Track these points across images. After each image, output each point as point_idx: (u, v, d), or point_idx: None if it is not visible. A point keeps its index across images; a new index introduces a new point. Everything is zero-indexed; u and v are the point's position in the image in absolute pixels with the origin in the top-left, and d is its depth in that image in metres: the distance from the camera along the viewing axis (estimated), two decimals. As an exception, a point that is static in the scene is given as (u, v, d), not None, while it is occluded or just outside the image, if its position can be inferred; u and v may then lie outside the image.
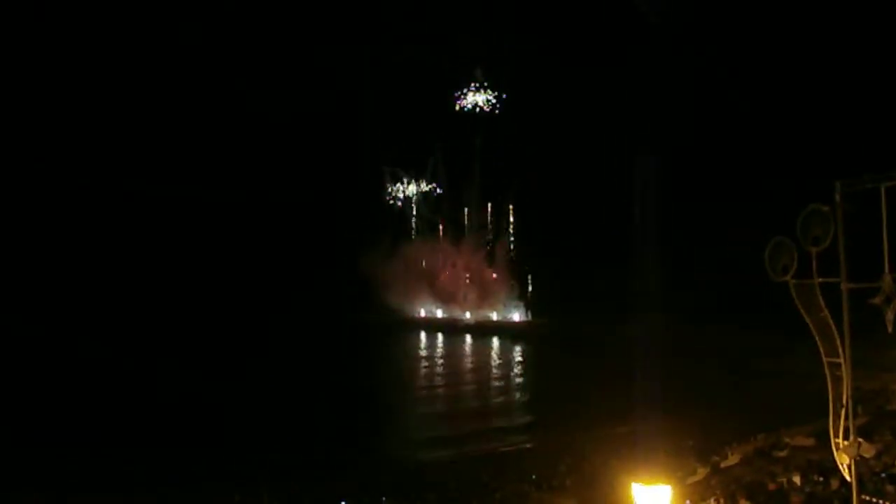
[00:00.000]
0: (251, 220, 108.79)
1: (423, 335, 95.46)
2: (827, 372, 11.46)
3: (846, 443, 11.20)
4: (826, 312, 11.28)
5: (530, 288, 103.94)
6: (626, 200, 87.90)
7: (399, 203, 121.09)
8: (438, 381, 63.46)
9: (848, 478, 11.42)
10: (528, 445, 37.04)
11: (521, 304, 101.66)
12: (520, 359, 75.91)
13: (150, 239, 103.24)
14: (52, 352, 59.82)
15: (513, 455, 34.37)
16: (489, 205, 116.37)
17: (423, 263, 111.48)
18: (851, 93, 76.44)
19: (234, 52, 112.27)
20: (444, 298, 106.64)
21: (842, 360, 11.23)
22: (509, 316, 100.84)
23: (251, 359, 60.42)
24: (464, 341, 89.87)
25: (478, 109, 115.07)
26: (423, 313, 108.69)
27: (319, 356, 63.02)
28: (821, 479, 18.79)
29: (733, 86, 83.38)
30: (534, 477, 26.61)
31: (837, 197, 11.25)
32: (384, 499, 24.53)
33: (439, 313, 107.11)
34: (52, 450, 32.45)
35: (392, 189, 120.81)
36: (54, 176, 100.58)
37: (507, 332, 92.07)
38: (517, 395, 55.55)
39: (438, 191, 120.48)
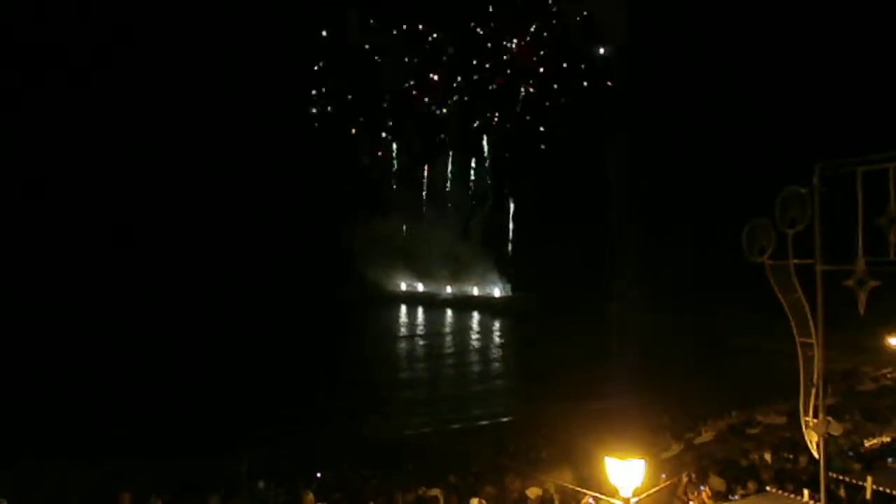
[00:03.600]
0: (221, 190, 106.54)
1: (403, 309, 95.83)
2: (799, 352, 11.64)
3: (815, 421, 11.43)
4: (800, 293, 11.43)
5: (511, 263, 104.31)
6: (607, 177, 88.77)
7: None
8: (419, 356, 64.00)
9: (816, 455, 11.67)
10: (505, 419, 37.51)
11: (502, 279, 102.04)
12: (499, 333, 76.62)
13: (118, 211, 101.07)
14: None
15: (490, 428, 34.79)
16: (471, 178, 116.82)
17: (404, 236, 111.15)
18: (832, 78, 76.87)
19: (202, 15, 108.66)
20: (425, 272, 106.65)
21: (814, 341, 11.40)
22: (490, 291, 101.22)
23: (228, 334, 59.48)
24: (444, 315, 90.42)
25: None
26: (403, 287, 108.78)
27: (298, 331, 62.54)
28: (791, 456, 19.20)
29: (715, 66, 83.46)
30: (511, 450, 26.99)
31: (816, 179, 11.34)
32: (362, 468, 24.76)
33: (420, 287, 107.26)
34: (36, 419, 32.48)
35: None
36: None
37: (488, 306, 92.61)
38: (496, 368, 56.21)
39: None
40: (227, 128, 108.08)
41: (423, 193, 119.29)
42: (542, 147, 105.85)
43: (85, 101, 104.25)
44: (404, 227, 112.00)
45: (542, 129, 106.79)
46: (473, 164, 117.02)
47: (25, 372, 43.12)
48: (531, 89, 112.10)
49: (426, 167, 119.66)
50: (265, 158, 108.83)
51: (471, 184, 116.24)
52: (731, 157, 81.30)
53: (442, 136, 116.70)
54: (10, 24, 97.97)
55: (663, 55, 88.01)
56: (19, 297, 66.34)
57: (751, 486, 15.59)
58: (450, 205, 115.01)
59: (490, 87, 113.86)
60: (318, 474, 23.43)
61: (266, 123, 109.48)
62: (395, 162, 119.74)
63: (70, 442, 28.58)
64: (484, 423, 36.87)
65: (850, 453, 18.59)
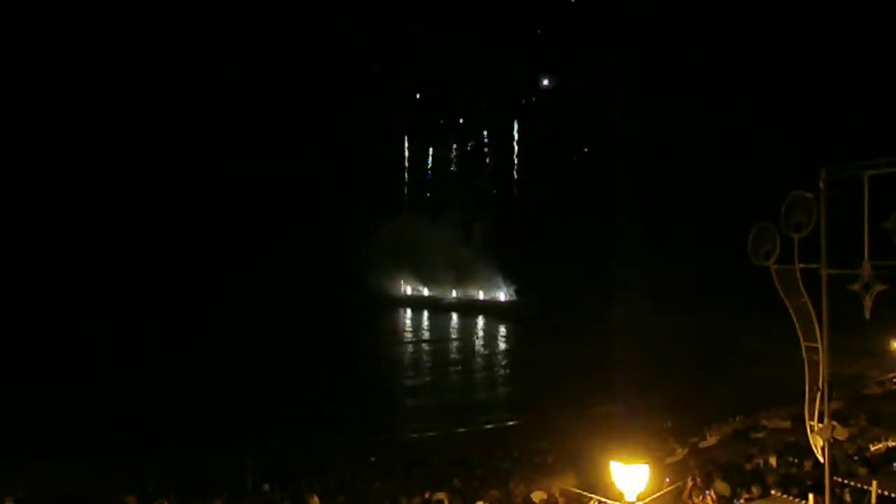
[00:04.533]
0: (220, 190, 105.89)
1: (408, 313, 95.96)
2: (804, 356, 11.63)
3: (821, 426, 11.42)
4: (806, 298, 11.42)
5: (515, 267, 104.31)
6: (611, 179, 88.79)
7: None
8: (425, 360, 64.05)
9: (821, 459, 11.65)
10: (510, 423, 37.49)
11: (507, 283, 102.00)
12: (504, 338, 76.65)
13: (121, 213, 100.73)
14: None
15: (496, 432, 34.77)
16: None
17: (409, 240, 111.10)
18: (836, 82, 76.81)
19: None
20: (430, 276, 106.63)
21: (819, 345, 11.40)
22: (495, 295, 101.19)
23: (235, 339, 58.97)
24: (449, 319, 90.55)
25: None
26: (409, 291, 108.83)
27: (304, 336, 62.22)
28: (795, 460, 19.17)
29: (720, 70, 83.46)
30: (516, 454, 26.97)
31: (821, 184, 11.35)
32: (366, 472, 24.81)
33: (425, 291, 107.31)
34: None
35: None
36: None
37: (493, 311, 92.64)
38: (501, 372, 56.26)
39: None
40: (229, 131, 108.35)
41: (428, 196, 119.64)
42: (546, 151, 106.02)
43: (85, 103, 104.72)
44: (409, 232, 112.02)
45: (545, 133, 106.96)
46: (479, 168, 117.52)
47: (28, 373, 43.29)
48: (534, 98, 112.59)
49: (430, 171, 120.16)
50: (269, 161, 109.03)
51: (476, 187, 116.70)
52: (732, 159, 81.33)
53: (447, 140, 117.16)
54: (14, 25, 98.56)
55: (665, 56, 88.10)
56: (20, 296, 66.57)
57: (755, 490, 15.57)
58: (454, 209, 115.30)
59: (495, 92, 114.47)
60: (323, 477, 23.49)
61: (269, 125, 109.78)
62: (402, 165, 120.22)
63: (74, 443, 28.67)
64: (489, 427, 36.86)
65: (856, 458, 18.55)
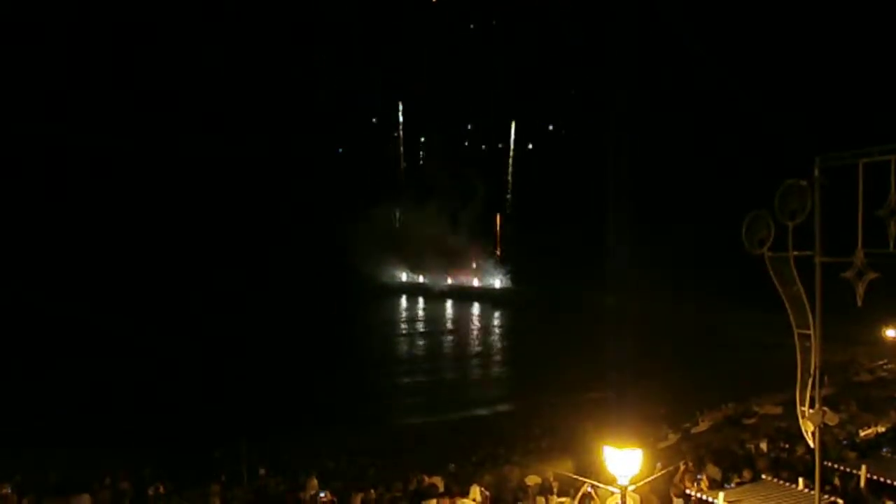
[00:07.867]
0: (209, 180, 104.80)
1: (403, 300, 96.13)
2: (797, 343, 11.75)
3: (811, 411, 11.56)
4: (799, 285, 11.52)
5: (511, 255, 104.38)
6: (606, 168, 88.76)
7: None
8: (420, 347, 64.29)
9: (812, 445, 11.80)
10: (504, 409, 37.70)
11: (502, 270, 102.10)
12: (499, 324, 76.93)
13: (113, 208, 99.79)
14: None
15: (490, 419, 34.97)
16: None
17: (405, 227, 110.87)
18: (831, 71, 76.90)
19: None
20: (425, 263, 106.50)
21: (812, 332, 11.52)
22: (490, 282, 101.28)
23: (232, 329, 58.25)
24: (444, 306, 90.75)
25: None
26: (404, 278, 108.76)
27: (299, 324, 61.79)
28: (786, 445, 19.40)
29: (714, 60, 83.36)
30: (510, 439, 27.21)
31: (816, 172, 11.43)
32: (362, 457, 24.96)
33: (420, 278, 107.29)
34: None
35: None
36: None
37: (488, 298, 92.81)
38: (496, 358, 56.54)
39: None
40: (220, 119, 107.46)
41: (424, 183, 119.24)
42: (543, 140, 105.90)
43: (81, 96, 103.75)
44: (405, 218, 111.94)
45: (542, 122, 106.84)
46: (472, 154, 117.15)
47: (31, 365, 43.19)
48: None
49: (425, 158, 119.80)
50: (262, 151, 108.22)
51: (471, 174, 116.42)
52: (726, 147, 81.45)
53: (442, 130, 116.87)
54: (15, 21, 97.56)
55: (662, 51, 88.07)
56: (21, 291, 66.23)
57: (746, 474, 15.76)
58: (450, 195, 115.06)
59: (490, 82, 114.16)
60: (318, 464, 23.59)
61: (260, 115, 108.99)
62: (398, 154, 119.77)
63: (73, 434, 28.69)
64: (484, 413, 37.05)
65: (845, 442, 18.79)
